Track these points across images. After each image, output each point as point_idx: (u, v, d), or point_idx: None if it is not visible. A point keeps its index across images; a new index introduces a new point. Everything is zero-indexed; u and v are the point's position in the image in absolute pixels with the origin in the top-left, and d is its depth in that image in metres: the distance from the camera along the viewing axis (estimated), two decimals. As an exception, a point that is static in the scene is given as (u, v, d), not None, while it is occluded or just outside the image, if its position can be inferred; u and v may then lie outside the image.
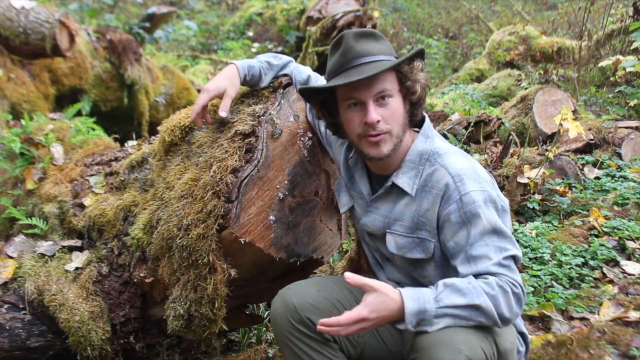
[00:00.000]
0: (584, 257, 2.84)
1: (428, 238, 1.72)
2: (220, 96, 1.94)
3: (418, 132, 1.80)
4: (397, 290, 1.52)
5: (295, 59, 2.24)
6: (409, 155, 1.76)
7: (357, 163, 1.90)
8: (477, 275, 1.57)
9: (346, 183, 1.94)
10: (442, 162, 1.71)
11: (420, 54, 1.74)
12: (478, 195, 1.62)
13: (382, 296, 1.50)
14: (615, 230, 2.99)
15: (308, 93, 1.83)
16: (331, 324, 1.50)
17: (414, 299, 1.50)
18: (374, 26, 8.07)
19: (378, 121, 1.66)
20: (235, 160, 1.83)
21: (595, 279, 2.72)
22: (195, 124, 2.00)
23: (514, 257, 1.60)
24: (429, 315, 1.49)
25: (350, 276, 1.51)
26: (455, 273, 1.63)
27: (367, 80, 1.64)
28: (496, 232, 1.60)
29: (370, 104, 1.67)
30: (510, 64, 6.90)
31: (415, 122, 1.81)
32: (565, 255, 2.83)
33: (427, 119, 1.83)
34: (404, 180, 1.74)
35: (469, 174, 1.66)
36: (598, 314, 2.40)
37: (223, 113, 1.92)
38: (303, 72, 2.06)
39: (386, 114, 1.68)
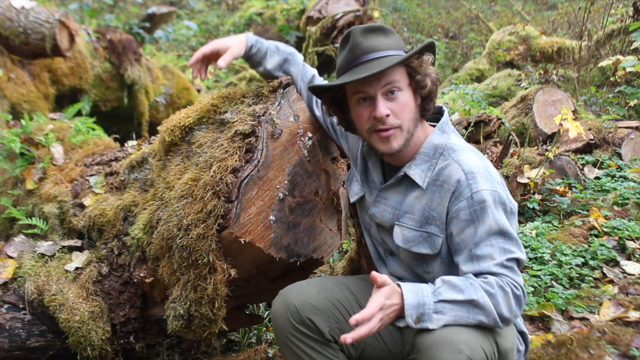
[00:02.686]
0: (584, 257, 2.83)
1: (436, 233, 1.71)
2: (223, 51, 1.97)
3: (434, 126, 1.80)
4: (396, 283, 1.52)
5: (296, 59, 2.23)
6: (423, 147, 1.75)
7: (371, 151, 1.88)
8: (478, 274, 1.58)
9: (360, 172, 1.93)
10: (455, 157, 1.70)
11: (430, 48, 1.73)
12: (489, 194, 1.61)
13: (391, 287, 1.50)
14: (615, 230, 2.99)
15: (317, 91, 1.84)
16: (361, 319, 1.44)
17: (413, 292, 1.50)
18: (373, 26, 8.05)
19: (387, 115, 1.66)
20: (235, 160, 1.83)
21: (595, 279, 2.71)
22: (192, 69, 2.02)
23: (517, 260, 1.60)
24: (428, 309, 1.48)
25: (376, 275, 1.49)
26: (458, 271, 1.63)
27: (375, 76, 1.64)
28: (502, 233, 1.59)
29: (379, 98, 1.66)
30: (510, 64, 6.90)
31: (429, 116, 1.80)
32: (565, 255, 2.83)
33: (446, 114, 1.82)
34: (416, 172, 1.73)
35: (482, 172, 1.66)
36: (598, 314, 2.39)
37: (222, 63, 1.93)
38: (308, 71, 2.07)
39: (395, 107, 1.67)
